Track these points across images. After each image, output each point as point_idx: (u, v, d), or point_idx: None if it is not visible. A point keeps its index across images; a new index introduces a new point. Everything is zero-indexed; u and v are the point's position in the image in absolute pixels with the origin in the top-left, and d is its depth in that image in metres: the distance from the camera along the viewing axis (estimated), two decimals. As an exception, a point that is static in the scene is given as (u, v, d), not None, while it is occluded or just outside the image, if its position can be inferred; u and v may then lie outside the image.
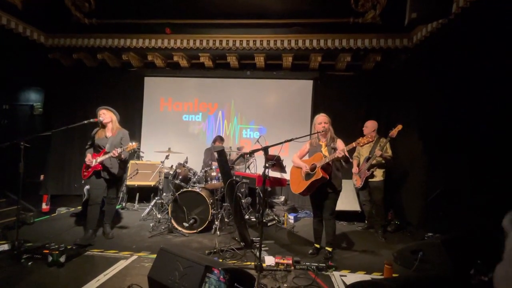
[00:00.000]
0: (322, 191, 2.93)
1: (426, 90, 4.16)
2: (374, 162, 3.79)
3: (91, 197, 3.32)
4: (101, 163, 3.21)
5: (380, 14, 4.44)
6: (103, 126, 3.35)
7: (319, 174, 2.78)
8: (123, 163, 3.42)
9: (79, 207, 4.54)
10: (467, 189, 3.26)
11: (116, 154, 3.10)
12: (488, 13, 3.09)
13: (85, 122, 3.22)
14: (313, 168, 2.87)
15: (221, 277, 1.82)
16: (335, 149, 2.80)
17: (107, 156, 3.16)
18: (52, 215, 4.48)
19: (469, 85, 3.32)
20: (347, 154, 2.72)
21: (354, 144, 2.69)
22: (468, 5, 3.17)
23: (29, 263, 2.58)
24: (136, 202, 5.05)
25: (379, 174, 3.82)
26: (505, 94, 2.85)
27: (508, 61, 2.80)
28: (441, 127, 3.77)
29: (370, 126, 3.96)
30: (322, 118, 2.99)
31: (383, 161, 3.81)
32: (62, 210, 4.70)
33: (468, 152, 3.25)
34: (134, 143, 3.18)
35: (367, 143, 2.66)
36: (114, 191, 3.46)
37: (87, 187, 4.11)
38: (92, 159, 3.20)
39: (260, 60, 5.21)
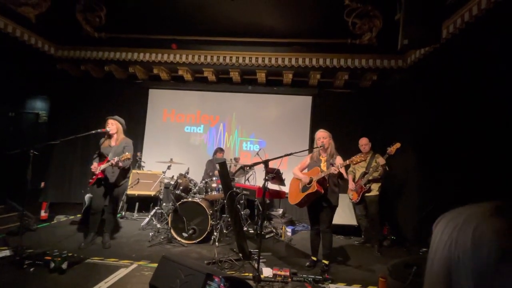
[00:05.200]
0: (318, 205, 3.02)
1: (419, 108, 4.35)
2: (371, 177, 3.90)
3: (93, 205, 3.41)
4: (103, 171, 3.29)
5: (376, 36, 4.69)
6: (109, 136, 3.45)
7: (314, 187, 2.88)
8: (124, 172, 3.47)
9: (79, 215, 4.57)
10: (459, 205, 3.35)
11: (114, 163, 3.17)
12: (475, 39, 3.32)
13: (93, 132, 3.33)
14: (309, 181, 2.97)
15: (222, 285, 1.89)
16: (333, 165, 2.91)
17: (107, 164, 3.24)
18: (52, 222, 4.50)
19: (460, 104, 3.49)
20: (341, 171, 2.83)
21: (347, 162, 2.81)
22: (457, 32, 3.41)
23: (31, 269, 2.62)
24: (136, 211, 5.09)
25: (375, 189, 3.92)
26: (492, 111, 3.01)
27: (494, 80, 2.99)
28: (434, 144, 3.91)
29: (368, 144, 4.10)
30: (321, 134, 3.11)
31: (379, 176, 3.92)
32: (61, 217, 4.72)
33: (461, 168, 3.36)
34: (128, 153, 3.25)
35: (360, 162, 2.77)
36: (114, 200, 3.49)
37: (88, 195, 4.17)
38: (97, 167, 3.30)
39: (261, 76, 5.42)
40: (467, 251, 0.42)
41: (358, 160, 2.73)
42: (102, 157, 3.39)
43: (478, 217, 0.44)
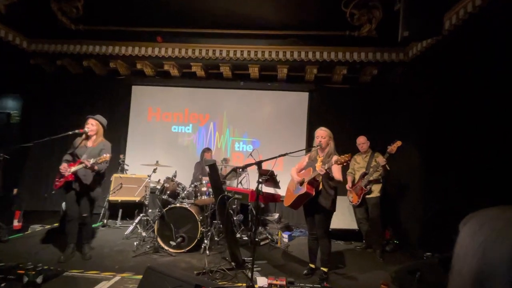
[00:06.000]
0: (314, 208, 3.03)
1: (422, 104, 4.41)
2: (371, 178, 3.93)
3: (68, 212, 3.35)
4: (74, 173, 3.20)
5: (376, 28, 4.74)
6: (87, 136, 3.40)
7: (303, 189, 2.89)
8: (98, 177, 3.39)
9: (56, 224, 4.50)
10: (465, 207, 3.41)
11: (89, 165, 3.09)
12: (479, 29, 3.38)
13: (70, 132, 3.28)
14: (301, 183, 2.99)
15: (212, 296, 1.88)
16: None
17: (80, 166, 3.15)
18: (26, 232, 4.42)
19: (465, 99, 3.54)
20: (335, 171, 2.84)
21: (333, 162, 2.80)
22: (460, 23, 3.47)
23: (2, 285, 2.56)
24: (119, 219, 5.02)
25: (376, 190, 3.97)
26: (500, 106, 3.06)
27: (501, 73, 3.05)
28: (438, 141, 3.97)
29: (366, 142, 4.15)
30: (319, 133, 3.11)
31: (380, 177, 3.96)
32: (37, 227, 4.63)
33: (466, 168, 3.42)
34: (107, 155, 3.18)
35: (344, 162, 2.74)
36: (87, 208, 3.39)
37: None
38: (67, 168, 3.21)
39: (254, 71, 5.42)
40: (505, 262, 0.41)
41: (342, 161, 2.72)
42: (75, 158, 3.31)
43: None
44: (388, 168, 3.89)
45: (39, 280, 2.57)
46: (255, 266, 2.79)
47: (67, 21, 5.07)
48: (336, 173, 2.89)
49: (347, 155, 2.73)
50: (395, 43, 3.86)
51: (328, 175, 2.85)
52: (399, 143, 3.76)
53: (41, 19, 5.06)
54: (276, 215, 5.28)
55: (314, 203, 2.97)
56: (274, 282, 2.81)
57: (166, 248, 3.67)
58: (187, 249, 3.65)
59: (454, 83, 3.76)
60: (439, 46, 3.99)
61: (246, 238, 4.37)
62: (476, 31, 3.42)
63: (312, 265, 3.22)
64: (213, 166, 3.33)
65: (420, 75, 4.59)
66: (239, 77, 5.76)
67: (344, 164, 2.77)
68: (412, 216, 4.37)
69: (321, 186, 2.94)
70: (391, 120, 5.19)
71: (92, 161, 3.11)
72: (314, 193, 2.89)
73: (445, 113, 3.89)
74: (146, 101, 5.99)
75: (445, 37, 3.71)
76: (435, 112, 4.11)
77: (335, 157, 2.92)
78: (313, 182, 2.91)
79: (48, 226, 4.63)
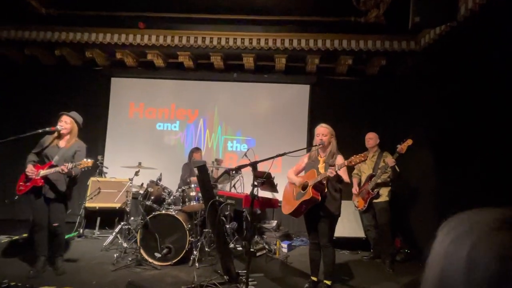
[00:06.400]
0: (316, 214, 3.03)
1: (436, 98, 4.43)
2: (379, 181, 3.95)
3: (36, 221, 3.31)
4: (44, 177, 3.14)
5: (384, 14, 4.75)
6: (60, 135, 3.36)
7: (309, 194, 2.87)
8: (71, 182, 3.36)
9: (25, 234, 4.45)
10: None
11: (66, 170, 3.05)
12: (499, 15, 3.39)
13: (40, 131, 3.22)
14: (304, 187, 2.98)
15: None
16: (332, 166, 2.90)
17: (52, 170, 3.11)
18: (-10, 244, 4.36)
19: (485, 93, 3.55)
20: (341, 173, 2.83)
21: (346, 163, 2.80)
22: (477, 8, 3.48)
23: (-38, 304, 2.52)
24: (97, 228, 4.99)
25: (384, 194, 3.99)
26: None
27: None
28: (453, 140, 3.99)
29: (374, 138, 4.16)
30: (321, 130, 3.12)
31: (389, 179, 3.98)
32: (3, 238, 4.58)
33: (486, 169, 3.44)
34: (89, 160, 3.13)
35: (359, 162, 2.76)
36: (59, 216, 3.34)
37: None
38: (35, 171, 3.15)
39: (249, 61, 5.41)
40: (460, 270, 0.42)
41: (357, 161, 2.73)
42: (44, 159, 3.25)
43: (480, 229, 0.44)
44: (398, 170, 3.90)
45: (4, 298, 2.54)
46: (250, 279, 2.78)
47: (37, 4, 5.00)
48: (344, 174, 2.91)
49: (362, 155, 2.72)
50: (406, 30, 3.89)
51: (338, 178, 2.85)
52: (409, 141, 3.79)
53: (6, 1, 4.97)
54: (274, 223, 5.27)
55: (317, 209, 2.97)
56: (272, 297, 2.81)
57: (150, 260, 3.65)
58: (174, 261, 3.63)
59: (472, 74, 3.77)
60: (454, 34, 4.01)
61: (240, 248, 4.38)
62: (495, 16, 3.43)
63: (314, 278, 3.21)
64: (202, 168, 3.32)
65: (433, 66, 4.61)
66: (232, 68, 5.75)
67: (359, 163, 2.78)
68: (425, 223, 4.40)
69: (325, 189, 2.94)
70: (401, 116, 5.22)
71: (70, 165, 3.06)
72: (320, 198, 2.89)
73: (462, 108, 3.90)
74: (127, 95, 5.95)
75: (460, 24, 3.72)
76: (450, 107, 4.13)
77: (339, 158, 2.92)
78: (318, 186, 2.90)
79: (15, 237, 4.57)
